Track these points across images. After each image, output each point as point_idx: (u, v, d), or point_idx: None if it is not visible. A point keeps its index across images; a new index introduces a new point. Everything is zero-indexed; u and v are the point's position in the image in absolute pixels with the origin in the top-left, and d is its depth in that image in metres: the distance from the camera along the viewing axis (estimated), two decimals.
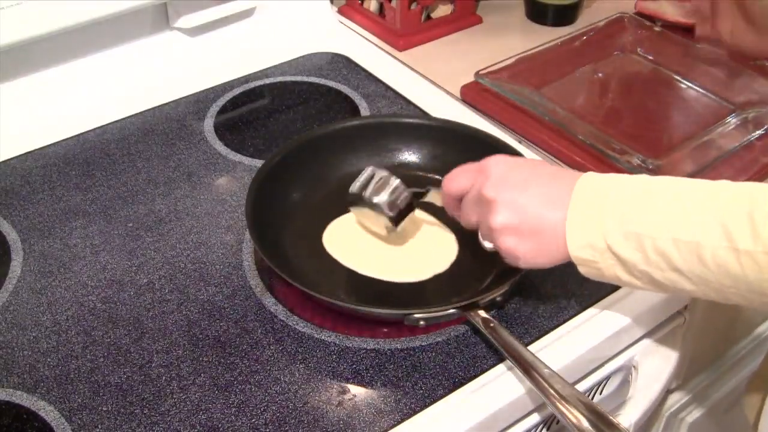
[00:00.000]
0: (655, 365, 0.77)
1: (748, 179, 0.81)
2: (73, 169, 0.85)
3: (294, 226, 0.76)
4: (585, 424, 0.57)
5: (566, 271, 0.72)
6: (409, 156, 0.83)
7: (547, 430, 0.71)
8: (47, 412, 0.62)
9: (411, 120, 0.85)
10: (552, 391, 0.59)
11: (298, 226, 0.76)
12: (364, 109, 0.92)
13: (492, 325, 0.65)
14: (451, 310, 0.66)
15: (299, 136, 0.82)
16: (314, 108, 0.93)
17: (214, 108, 0.93)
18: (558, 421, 0.71)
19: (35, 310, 0.70)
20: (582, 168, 0.83)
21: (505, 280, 0.68)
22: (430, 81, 0.98)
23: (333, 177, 0.81)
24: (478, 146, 0.81)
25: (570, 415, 0.58)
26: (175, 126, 0.91)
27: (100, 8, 0.86)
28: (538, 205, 0.60)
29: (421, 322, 0.66)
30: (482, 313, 0.66)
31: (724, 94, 0.93)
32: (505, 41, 1.05)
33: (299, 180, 0.79)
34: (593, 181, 0.60)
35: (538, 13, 1.10)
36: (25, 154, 0.87)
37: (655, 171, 0.80)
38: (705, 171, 0.81)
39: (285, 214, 0.76)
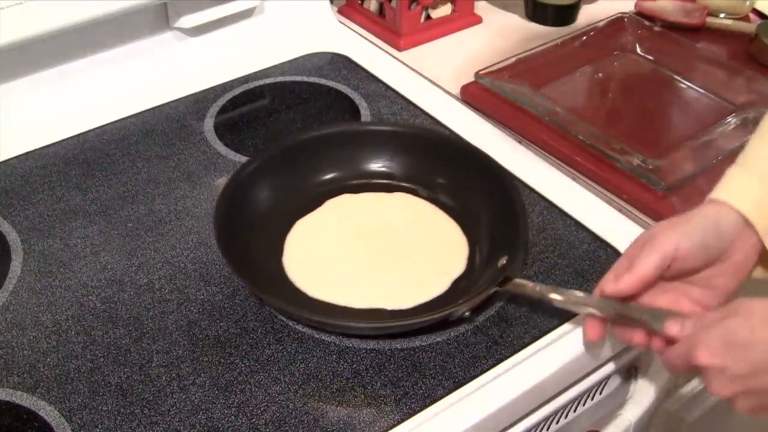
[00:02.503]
0: (655, 365, 0.77)
1: None
2: (73, 169, 0.85)
3: (263, 237, 0.75)
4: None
5: (566, 270, 0.72)
6: (378, 164, 0.82)
7: (547, 430, 0.71)
8: (47, 412, 0.62)
9: (378, 128, 0.84)
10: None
11: (266, 237, 0.75)
12: (364, 109, 0.92)
13: (538, 288, 0.66)
14: (492, 291, 0.67)
15: (269, 147, 0.80)
16: (314, 108, 0.93)
17: (214, 108, 0.93)
18: (558, 421, 0.71)
19: (35, 310, 0.70)
20: (582, 168, 0.83)
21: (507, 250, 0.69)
22: (430, 81, 0.98)
23: (306, 185, 0.80)
24: (450, 152, 0.81)
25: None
26: (175, 126, 0.91)
27: (100, 8, 0.86)
28: None
29: (467, 313, 0.66)
30: (518, 280, 0.67)
31: (724, 94, 0.93)
32: (505, 41, 1.05)
33: (269, 191, 0.78)
34: None
35: (538, 13, 1.10)
36: (25, 154, 0.87)
37: (655, 171, 0.80)
38: (705, 171, 0.82)
39: (254, 226, 0.75)
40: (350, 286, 0.71)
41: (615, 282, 0.61)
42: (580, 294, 0.64)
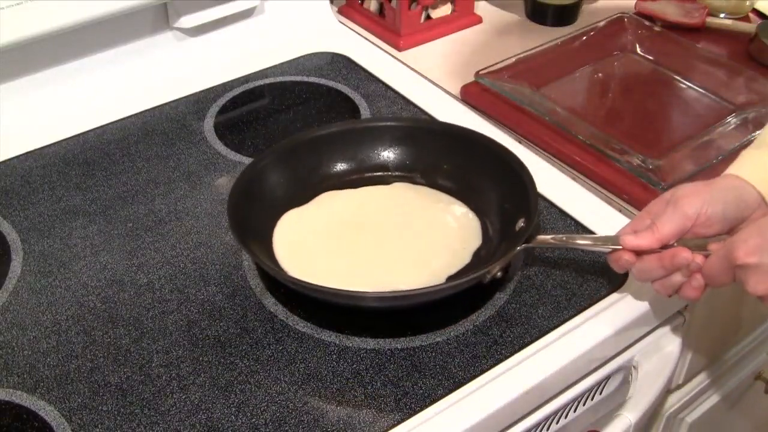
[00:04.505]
0: (655, 365, 0.77)
1: None
2: (73, 169, 0.85)
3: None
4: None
5: (566, 270, 0.72)
6: (374, 157, 0.82)
7: (547, 430, 0.71)
8: (47, 412, 0.62)
9: (372, 124, 0.84)
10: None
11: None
12: (364, 109, 0.92)
13: (564, 237, 0.69)
14: (522, 247, 0.68)
15: (276, 146, 0.80)
16: (314, 108, 0.93)
17: (214, 108, 0.93)
18: (558, 421, 0.71)
19: (35, 310, 0.70)
20: (582, 168, 0.83)
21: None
22: (430, 81, 0.98)
23: (316, 179, 0.80)
24: (443, 137, 0.81)
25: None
26: (175, 126, 0.91)
27: (100, 8, 0.86)
28: None
29: (499, 273, 0.67)
30: (541, 236, 0.69)
31: (724, 94, 0.93)
32: (505, 41, 1.05)
33: (280, 184, 0.78)
34: None
35: (538, 13, 1.10)
36: (25, 154, 0.87)
37: (655, 171, 0.80)
38: (705, 171, 0.82)
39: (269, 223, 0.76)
40: (372, 277, 0.71)
41: (636, 237, 0.64)
42: (605, 235, 0.68)
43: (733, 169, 0.66)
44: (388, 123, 0.84)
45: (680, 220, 0.62)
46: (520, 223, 0.72)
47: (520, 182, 0.74)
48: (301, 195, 0.79)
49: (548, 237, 0.70)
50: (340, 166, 0.81)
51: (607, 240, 0.67)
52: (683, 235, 0.63)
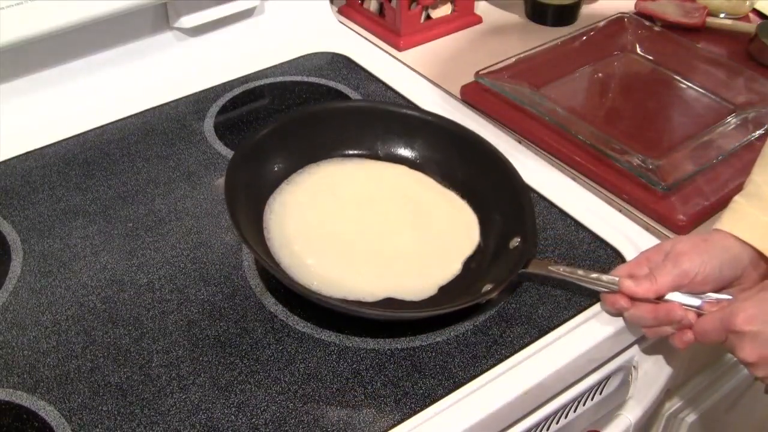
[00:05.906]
0: (655, 365, 0.77)
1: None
2: (73, 169, 0.85)
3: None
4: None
5: None
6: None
7: (547, 430, 0.71)
8: (47, 412, 0.62)
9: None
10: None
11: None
12: None
13: (561, 269, 0.68)
14: (518, 272, 0.68)
15: (289, 115, 0.81)
16: None
17: (214, 108, 0.93)
18: (558, 421, 0.71)
19: (35, 310, 0.70)
20: (582, 168, 0.83)
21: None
22: (430, 81, 0.98)
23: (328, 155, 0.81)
24: (443, 135, 0.81)
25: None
26: (175, 126, 0.91)
27: (100, 8, 0.86)
28: None
29: (494, 293, 0.68)
30: (539, 260, 0.69)
31: (724, 94, 0.93)
32: (505, 41, 1.05)
33: (283, 158, 0.79)
34: None
35: (538, 13, 1.10)
36: (25, 154, 0.87)
37: (655, 171, 0.80)
38: (705, 171, 0.82)
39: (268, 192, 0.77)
40: (362, 276, 0.71)
41: (634, 284, 0.65)
42: (606, 276, 0.67)
43: (728, 226, 0.67)
44: (391, 108, 0.84)
45: (678, 276, 0.64)
46: (515, 242, 0.71)
47: (518, 200, 0.74)
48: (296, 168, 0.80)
49: (547, 263, 0.69)
50: (339, 146, 0.82)
51: (604, 281, 0.67)
52: (679, 290, 0.65)
